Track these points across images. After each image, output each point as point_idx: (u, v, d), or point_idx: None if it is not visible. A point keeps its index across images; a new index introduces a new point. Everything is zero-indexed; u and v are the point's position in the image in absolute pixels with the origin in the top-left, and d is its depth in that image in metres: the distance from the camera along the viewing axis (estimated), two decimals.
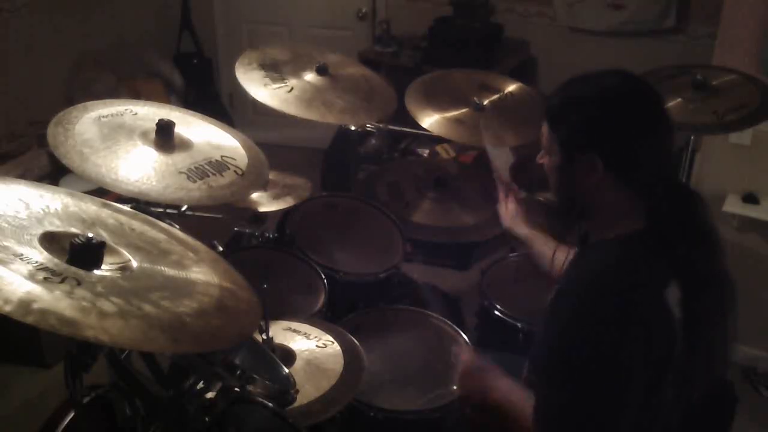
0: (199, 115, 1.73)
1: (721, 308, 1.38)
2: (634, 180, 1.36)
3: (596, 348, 1.28)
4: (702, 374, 1.40)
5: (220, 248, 1.71)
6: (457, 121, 2.33)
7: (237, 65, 2.20)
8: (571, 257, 1.55)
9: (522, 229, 1.97)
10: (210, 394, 1.30)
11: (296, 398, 1.44)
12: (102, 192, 1.49)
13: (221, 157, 1.57)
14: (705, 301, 1.34)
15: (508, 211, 2.02)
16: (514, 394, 1.54)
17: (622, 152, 1.34)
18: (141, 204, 1.53)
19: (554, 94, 1.42)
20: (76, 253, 1.06)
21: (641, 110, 1.34)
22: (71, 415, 1.46)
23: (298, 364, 1.70)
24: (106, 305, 0.98)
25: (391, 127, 2.63)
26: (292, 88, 2.16)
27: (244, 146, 1.65)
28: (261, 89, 2.13)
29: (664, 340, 1.31)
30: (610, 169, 1.34)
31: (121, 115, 1.58)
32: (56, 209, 1.19)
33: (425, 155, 3.57)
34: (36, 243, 1.06)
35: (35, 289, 0.94)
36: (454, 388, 1.86)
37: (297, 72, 2.24)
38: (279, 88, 2.15)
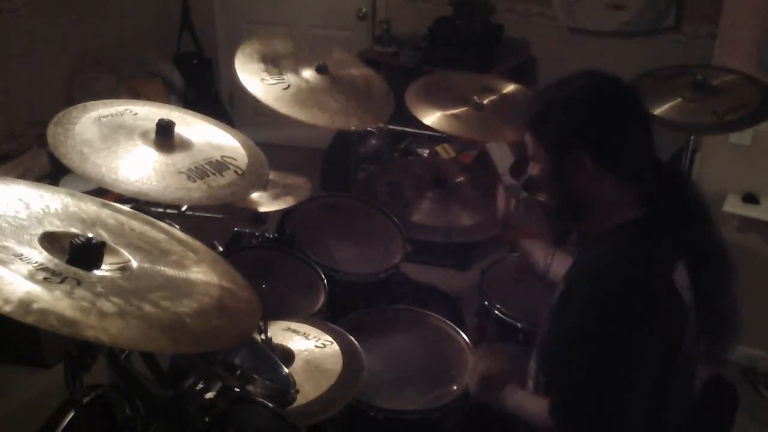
0: (199, 115, 1.72)
1: (725, 281, 1.44)
2: (621, 168, 1.41)
3: (608, 332, 1.31)
4: (713, 352, 1.46)
5: (220, 248, 1.71)
6: (457, 117, 2.32)
7: (237, 55, 2.15)
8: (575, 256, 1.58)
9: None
10: (210, 394, 1.29)
11: (296, 398, 1.44)
12: (102, 192, 1.49)
13: (221, 157, 1.57)
14: (711, 277, 1.40)
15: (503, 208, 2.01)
16: (533, 402, 1.54)
17: (604, 143, 1.40)
18: (141, 204, 1.53)
19: (531, 104, 1.48)
20: (76, 253, 1.06)
21: (614, 101, 1.41)
22: (71, 415, 1.46)
23: (297, 364, 1.70)
24: (106, 305, 0.98)
25: (391, 127, 2.62)
26: (288, 86, 2.12)
27: (244, 146, 1.65)
28: (257, 84, 2.08)
29: (675, 320, 1.36)
30: (597, 162, 1.39)
31: (121, 115, 1.57)
32: (56, 209, 1.18)
33: (425, 155, 3.57)
34: (36, 243, 1.06)
35: (35, 289, 0.94)
36: (455, 387, 1.86)
37: (296, 68, 2.20)
38: (275, 84, 2.11)
